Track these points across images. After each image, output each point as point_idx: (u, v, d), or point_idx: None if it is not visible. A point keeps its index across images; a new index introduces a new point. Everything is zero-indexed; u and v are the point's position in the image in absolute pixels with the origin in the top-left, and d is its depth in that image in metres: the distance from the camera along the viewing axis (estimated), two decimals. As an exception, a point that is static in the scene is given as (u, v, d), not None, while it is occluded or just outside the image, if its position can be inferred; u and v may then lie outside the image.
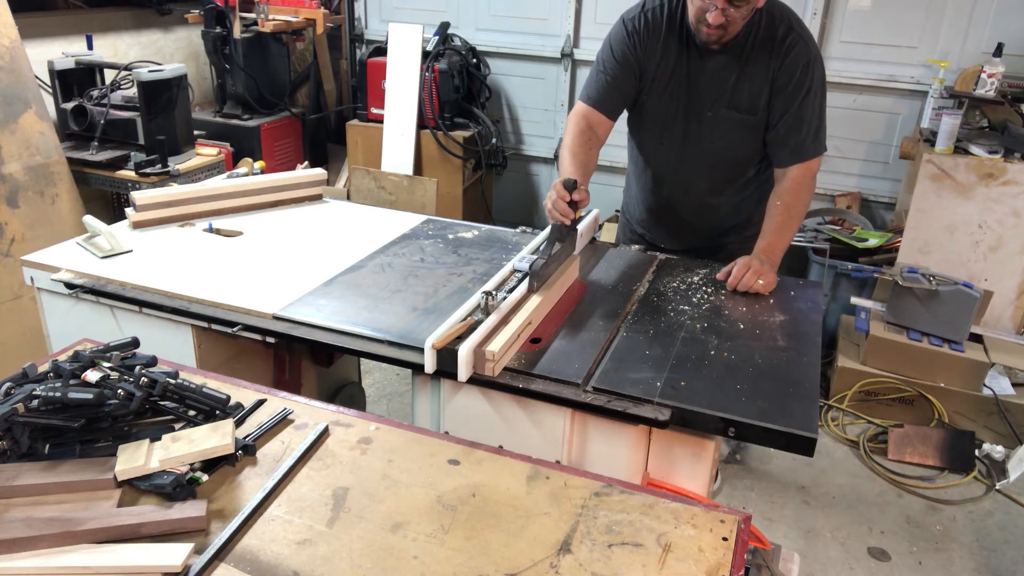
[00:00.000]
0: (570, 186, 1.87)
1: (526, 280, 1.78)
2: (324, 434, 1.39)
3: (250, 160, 2.76)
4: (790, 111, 2.04)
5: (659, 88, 2.13)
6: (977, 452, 3.05)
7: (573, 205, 1.88)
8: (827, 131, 2.14)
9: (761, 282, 1.95)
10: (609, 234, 3.96)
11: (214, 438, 1.29)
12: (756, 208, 2.24)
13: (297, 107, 4.62)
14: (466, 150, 4.33)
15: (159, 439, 1.29)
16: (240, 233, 2.26)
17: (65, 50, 3.58)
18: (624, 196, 2.57)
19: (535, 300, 1.73)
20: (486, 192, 4.72)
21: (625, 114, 2.26)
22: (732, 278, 1.97)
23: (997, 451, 3.04)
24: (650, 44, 2.08)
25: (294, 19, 4.40)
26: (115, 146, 3.42)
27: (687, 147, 2.19)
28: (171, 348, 1.83)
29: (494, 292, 1.69)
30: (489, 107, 4.62)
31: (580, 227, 2.18)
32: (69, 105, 3.43)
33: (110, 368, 1.33)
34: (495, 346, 1.52)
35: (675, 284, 2.01)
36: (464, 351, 1.52)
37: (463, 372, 1.54)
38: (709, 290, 1.98)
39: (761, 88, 2.05)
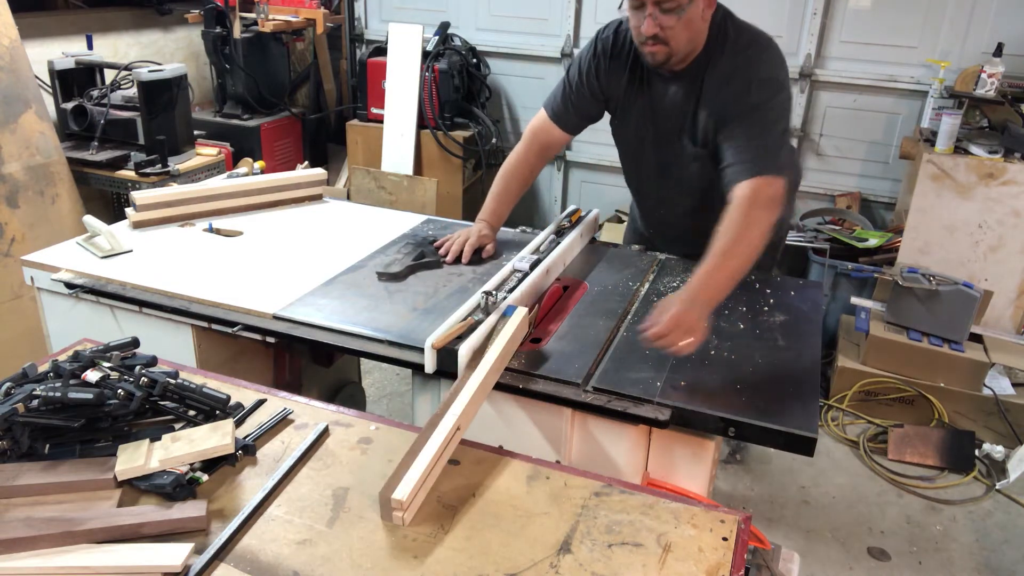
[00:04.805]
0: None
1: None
2: (324, 434, 1.39)
3: (250, 160, 2.76)
4: (742, 116, 1.82)
5: (629, 117, 2.09)
6: (977, 452, 3.05)
7: (477, 253, 2.11)
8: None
9: (690, 340, 1.55)
10: (609, 234, 3.96)
11: (214, 438, 1.29)
12: None
13: (297, 107, 4.62)
14: (466, 150, 4.33)
15: (159, 439, 1.29)
16: (240, 233, 2.26)
17: (65, 50, 3.58)
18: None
19: (461, 402, 1.39)
20: (486, 192, 4.70)
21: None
22: (654, 332, 1.55)
23: (997, 451, 3.04)
24: (616, 70, 2.00)
25: (294, 19, 4.40)
26: (115, 146, 3.42)
27: (662, 173, 2.13)
28: (171, 348, 1.83)
29: (494, 292, 1.69)
30: (489, 107, 4.62)
31: (578, 229, 2.18)
32: (69, 105, 3.42)
33: (110, 368, 1.33)
34: (402, 492, 1.16)
35: (675, 284, 2.01)
36: (464, 351, 1.52)
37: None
38: (709, 290, 1.97)
39: (723, 105, 1.89)
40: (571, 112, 2.11)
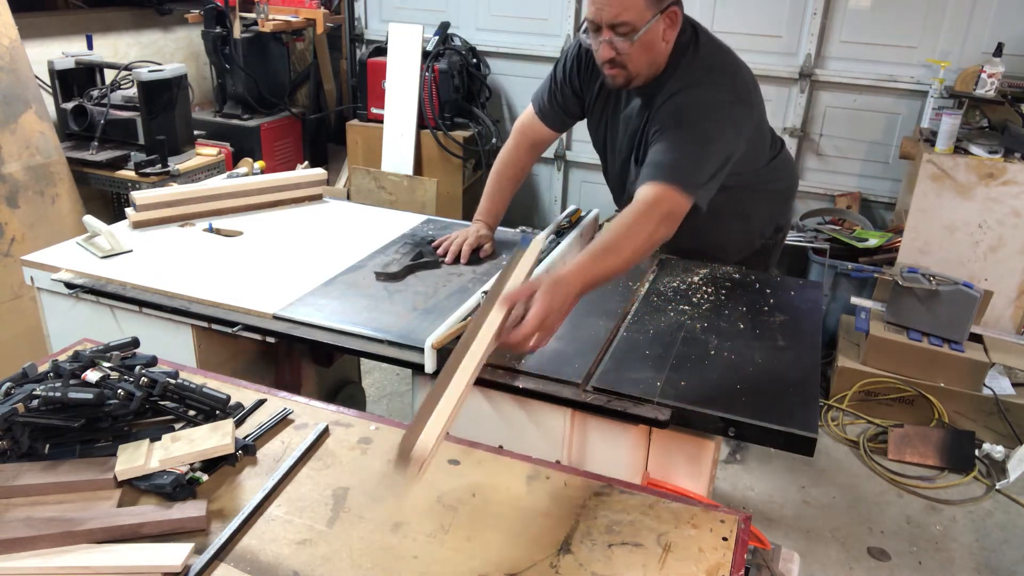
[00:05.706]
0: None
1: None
2: (324, 434, 1.39)
3: (250, 160, 2.77)
4: (669, 129, 1.74)
5: (598, 123, 2.07)
6: (977, 452, 3.05)
7: (475, 252, 2.12)
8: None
9: (531, 344, 1.42)
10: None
11: (214, 438, 1.29)
12: (732, 220, 2.10)
13: (297, 107, 4.62)
14: (466, 150, 4.33)
15: (159, 439, 1.29)
16: (240, 233, 2.26)
17: (65, 50, 3.58)
18: None
19: (485, 335, 1.30)
20: (486, 192, 4.71)
21: None
22: (522, 335, 1.39)
23: (997, 451, 3.04)
24: (594, 72, 1.95)
25: (294, 19, 4.40)
26: (115, 146, 3.42)
27: (625, 187, 2.09)
28: (171, 348, 1.83)
29: (494, 292, 1.69)
30: (489, 107, 4.62)
31: (578, 229, 2.18)
32: (69, 105, 3.42)
33: (110, 368, 1.33)
34: (424, 446, 1.08)
35: (675, 284, 2.01)
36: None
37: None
38: (709, 290, 1.98)
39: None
40: (557, 109, 2.10)
